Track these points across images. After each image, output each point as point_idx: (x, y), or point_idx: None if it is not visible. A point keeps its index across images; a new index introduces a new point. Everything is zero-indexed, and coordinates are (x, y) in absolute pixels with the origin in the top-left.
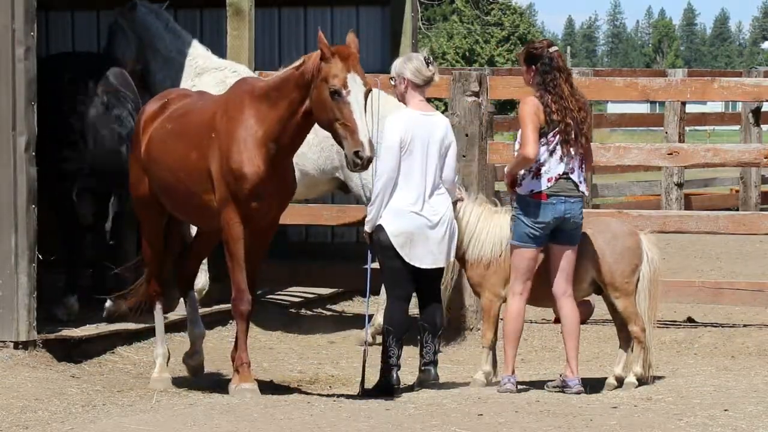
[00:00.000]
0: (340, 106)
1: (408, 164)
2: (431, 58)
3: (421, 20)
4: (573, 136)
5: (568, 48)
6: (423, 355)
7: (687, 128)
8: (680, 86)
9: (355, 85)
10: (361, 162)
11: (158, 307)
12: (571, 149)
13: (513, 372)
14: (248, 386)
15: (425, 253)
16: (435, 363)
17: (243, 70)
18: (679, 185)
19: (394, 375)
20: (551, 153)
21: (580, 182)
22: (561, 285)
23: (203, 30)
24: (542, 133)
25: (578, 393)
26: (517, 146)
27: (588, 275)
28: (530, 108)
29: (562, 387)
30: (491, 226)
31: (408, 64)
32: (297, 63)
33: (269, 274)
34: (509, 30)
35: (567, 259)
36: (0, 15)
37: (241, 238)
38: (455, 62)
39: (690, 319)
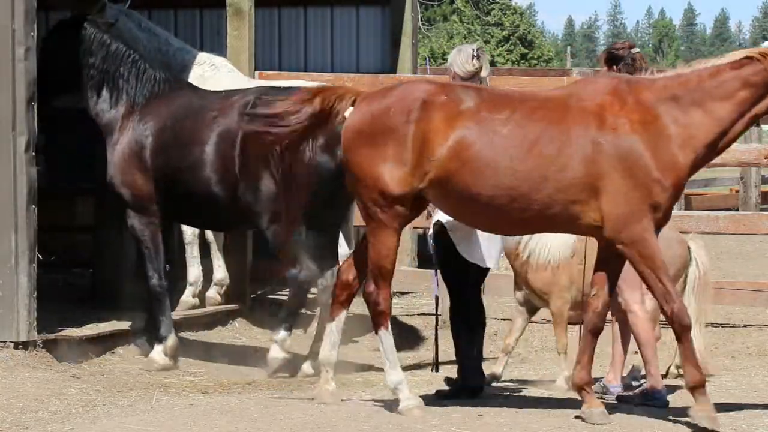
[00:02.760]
0: None
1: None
2: (480, 52)
3: (421, 20)
4: None
5: (569, 48)
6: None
7: None
8: None
9: None
10: None
11: (388, 328)
12: None
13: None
14: (704, 414)
15: (477, 249)
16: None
17: (220, 62)
18: None
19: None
20: None
21: None
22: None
23: (203, 30)
24: None
25: (666, 405)
26: None
27: None
28: None
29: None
30: None
31: (456, 57)
32: (728, 59)
33: (270, 273)
34: (509, 30)
35: None
36: (0, 15)
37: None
38: None
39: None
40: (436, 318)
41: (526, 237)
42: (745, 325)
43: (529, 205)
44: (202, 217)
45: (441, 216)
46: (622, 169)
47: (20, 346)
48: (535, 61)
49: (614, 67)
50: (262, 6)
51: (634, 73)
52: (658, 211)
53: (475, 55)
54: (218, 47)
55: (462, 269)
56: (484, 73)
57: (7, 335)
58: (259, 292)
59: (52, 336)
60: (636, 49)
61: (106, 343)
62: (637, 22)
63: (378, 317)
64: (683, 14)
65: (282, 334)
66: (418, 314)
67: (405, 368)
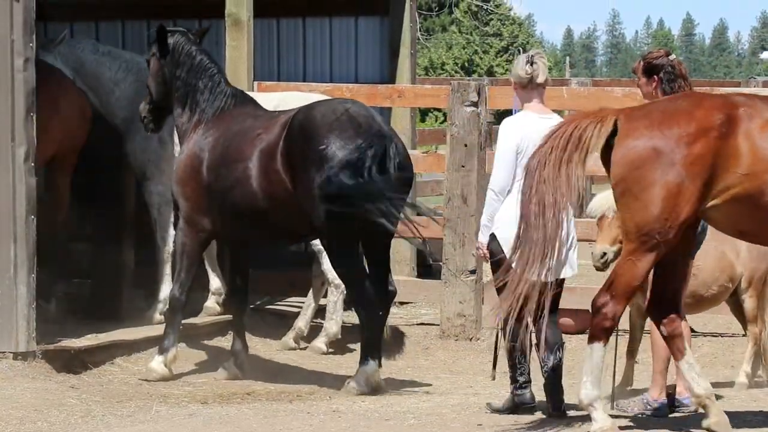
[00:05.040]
0: None
1: (523, 170)
2: (536, 57)
3: (420, 31)
4: None
5: (567, 58)
6: (542, 373)
7: None
8: None
9: None
10: None
11: (605, 345)
12: None
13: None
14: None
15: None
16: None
17: None
18: None
19: (528, 392)
20: None
21: None
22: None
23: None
24: None
25: (665, 415)
26: None
27: (736, 273)
28: None
29: (676, 406)
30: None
31: (514, 65)
32: None
33: (268, 283)
34: (508, 40)
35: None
36: None
37: None
38: (454, 72)
39: (689, 329)
40: (497, 335)
41: None
42: (744, 335)
43: None
44: (259, 235)
45: (500, 232)
46: None
47: (19, 357)
48: None
49: (654, 76)
50: (260, 16)
51: (676, 80)
52: None
53: (529, 60)
54: (217, 58)
55: None
56: (541, 79)
57: (6, 346)
58: (257, 302)
59: (51, 347)
60: (672, 56)
61: (106, 353)
62: (636, 32)
63: (601, 331)
64: (682, 24)
65: (371, 365)
66: (418, 324)
67: (411, 382)
